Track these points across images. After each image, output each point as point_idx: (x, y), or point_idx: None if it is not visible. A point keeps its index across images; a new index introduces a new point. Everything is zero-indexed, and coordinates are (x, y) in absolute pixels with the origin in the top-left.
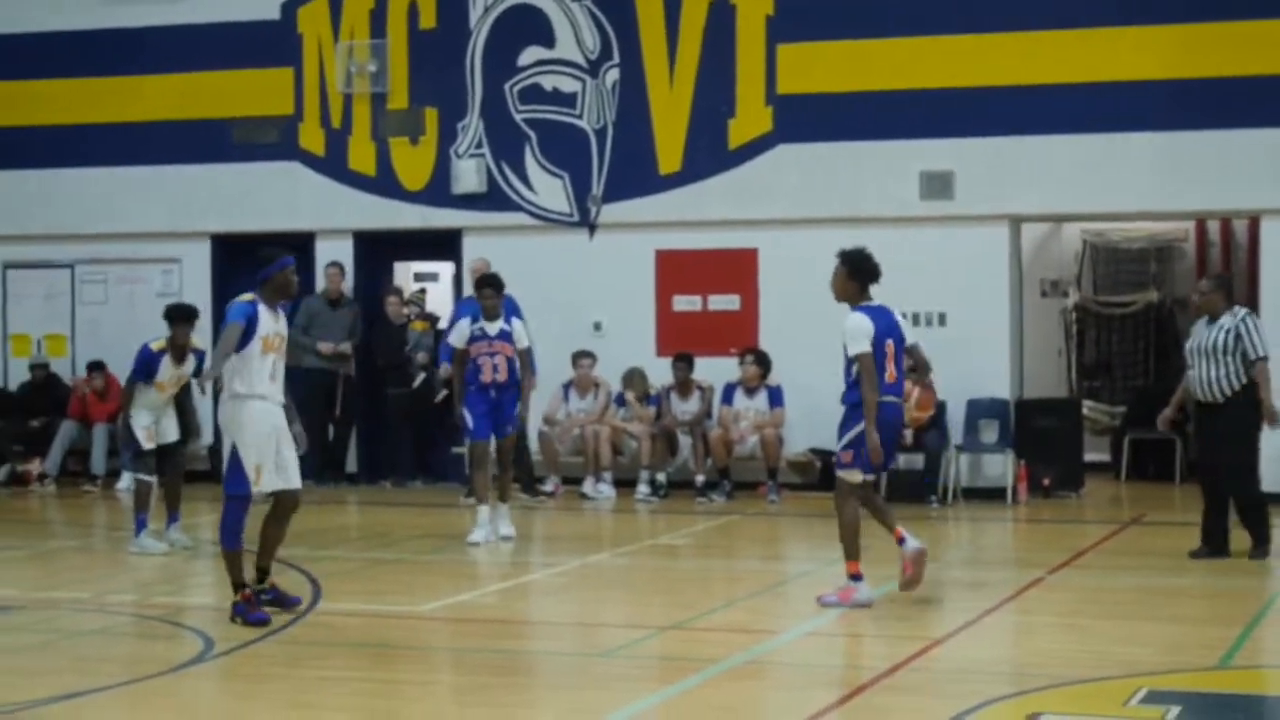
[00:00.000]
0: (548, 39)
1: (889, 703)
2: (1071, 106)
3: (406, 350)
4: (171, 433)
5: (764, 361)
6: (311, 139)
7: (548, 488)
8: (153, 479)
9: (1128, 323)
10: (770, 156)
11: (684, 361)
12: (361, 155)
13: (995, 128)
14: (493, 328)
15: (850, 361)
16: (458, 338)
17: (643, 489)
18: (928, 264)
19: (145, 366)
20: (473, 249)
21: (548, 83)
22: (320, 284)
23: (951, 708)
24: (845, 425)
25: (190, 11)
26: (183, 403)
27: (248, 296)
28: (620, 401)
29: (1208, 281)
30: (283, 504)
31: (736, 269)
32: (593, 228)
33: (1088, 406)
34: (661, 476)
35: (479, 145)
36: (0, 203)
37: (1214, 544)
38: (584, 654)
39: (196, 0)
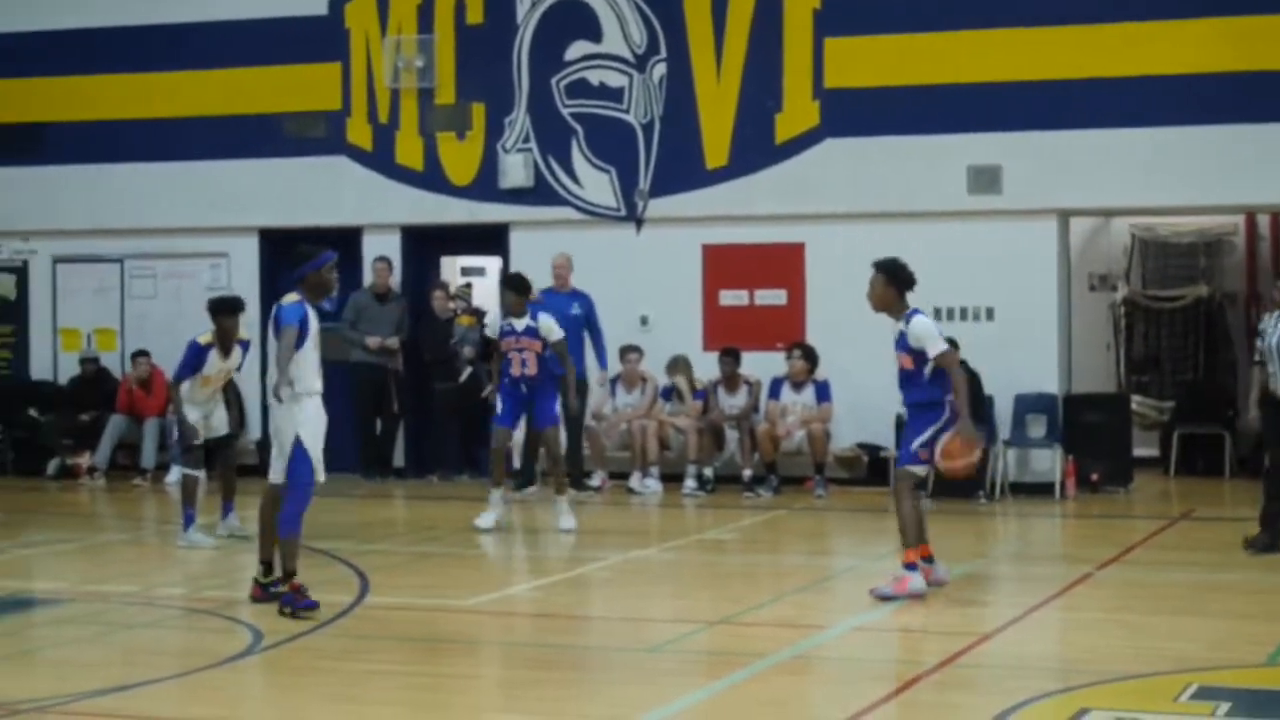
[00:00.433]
0: (595, 34)
1: (937, 698)
2: (1119, 100)
3: (452, 344)
4: (222, 426)
5: (811, 356)
6: (359, 134)
7: (594, 482)
8: (200, 473)
9: (1177, 317)
10: (817, 151)
11: (731, 356)
12: (409, 150)
13: (1043, 122)
14: (520, 324)
15: (920, 364)
16: (490, 329)
17: (690, 483)
18: (975, 259)
19: (194, 360)
20: (520, 244)
21: (595, 77)
22: (368, 278)
23: (999, 703)
24: (918, 425)
25: (238, 7)
26: (230, 396)
27: (294, 297)
28: (667, 396)
29: None
30: (312, 492)
31: (783, 263)
32: (639, 222)
33: (1136, 401)
34: (708, 471)
35: (526, 140)
36: (50, 198)
37: (1274, 531)
38: (631, 649)
39: None
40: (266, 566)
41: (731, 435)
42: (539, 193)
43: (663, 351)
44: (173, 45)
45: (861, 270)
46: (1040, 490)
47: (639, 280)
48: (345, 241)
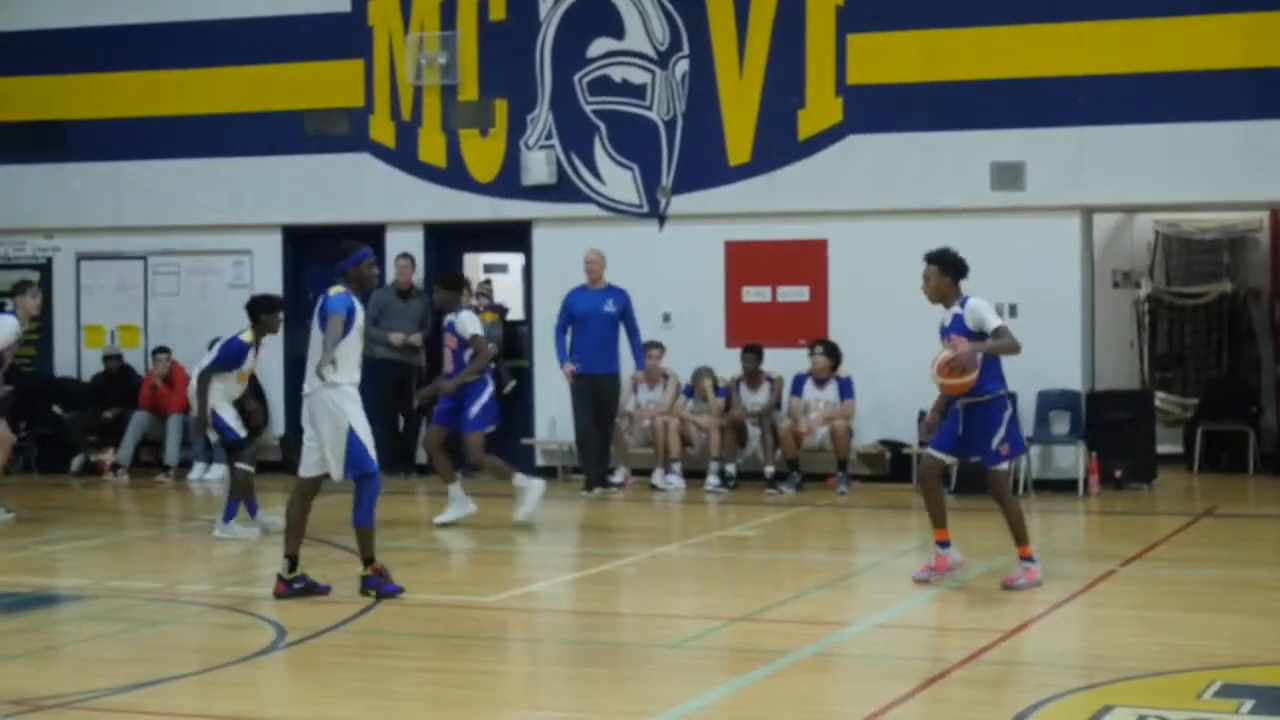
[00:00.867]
0: (617, 30)
1: (960, 695)
2: (1143, 96)
3: None
4: (241, 428)
5: (833, 353)
6: (382, 131)
7: (617, 479)
8: (252, 468)
9: (1200, 314)
10: (840, 147)
11: (753, 353)
12: (432, 147)
13: (1067, 118)
14: (447, 320)
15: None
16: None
17: (712, 480)
18: (998, 255)
19: (238, 357)
20: (542, 241)
21: (617, 74)
22: (391, 275)
23: (1023, 700)
24: (990, 421)
25: (262, 4)
26: (255, 393)
27: (340, 289)
28: (689, 393)
29: None
30: (318, 487)
31: (806, 260)
32: (662, 219)
33: (1160, 398)
34: (731, 468)
35: (549, 137)
36: (73, 195)
37: None
38: (654, 645)
39: None
40: (291, 561)
41: (754, 432)
42: (562, 189)
43: (686, 348)
44: (196, 42)
45: (885, 266)
46: (1063, 487)
47: (661, 277)
48: (368, 238)
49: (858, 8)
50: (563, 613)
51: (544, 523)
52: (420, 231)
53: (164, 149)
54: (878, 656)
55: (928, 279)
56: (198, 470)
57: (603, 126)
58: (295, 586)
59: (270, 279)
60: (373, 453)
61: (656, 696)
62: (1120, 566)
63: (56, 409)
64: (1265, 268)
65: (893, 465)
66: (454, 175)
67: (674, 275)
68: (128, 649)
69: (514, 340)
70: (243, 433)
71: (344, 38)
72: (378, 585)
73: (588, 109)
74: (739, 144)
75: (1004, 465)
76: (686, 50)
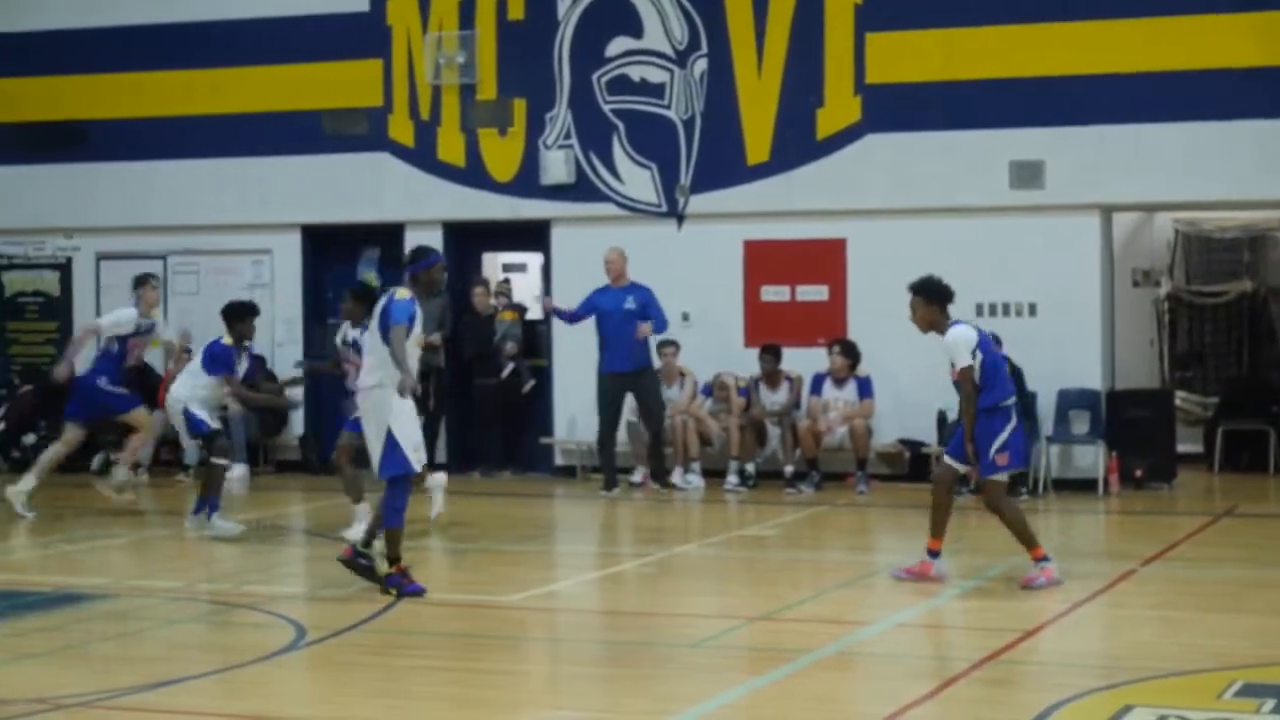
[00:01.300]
0: (636, 30)
1: (980, 694)
2: (1162, 95)
3: (495, 341)
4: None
5: (852, 352)
6: (401, 130)
7: (635, 478)
8: (225, 461)
9: (1220, 312)
10: (859, 146)
11: (771, 353)
12: (450, 146)
13: (1086, 116)
14: (354, 333)
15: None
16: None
17: (731, 479)
18: (1018, 254)
19: (224, 359)
20: (561, 240)
21: (636, 73)
22: None
23: (1043, 700)
24: (988, 431)
25: (281, 4)
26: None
27: (407, 294)
28: (707, 392)
29: None
30: (412, 482)
31: (825, 259)
32: (681, 218)
33: (1180, 397)
34: (750, 467)
35: (567, 136)
36: (92, 195)
37: None
38: (673, 644)
39: None
40: (370, 540)
41: (773, 431)
42: (580, 189)
43: (704, 348)
44: (215, 42)
45: (904, 266)
46: (1083, 486)
47: (680, 276)
48: (387, 238)
49: (876, 7)
50: (583, 612)
51: (564, 522)
52: (439, 231)
53: (183, 149)
54: (897, 656)
55: (914, 310)
56: (236, 469)
57: (621, 126)
58: (360, 563)
59: (290, 279)
60: (412, 455)
61: (676, 696)
62: (1140, 566)
63: None
64: None
65: (912, 464)
66: (473, 175)
67: (692, 275)
68: (148, 648)
69: (533, 340)
70: (215, 424)
71: (363, 37)
72: (399, 584)
73: (606, 108)
74: (758, 143)
75: (1000, 476)
76: (705, 49)
